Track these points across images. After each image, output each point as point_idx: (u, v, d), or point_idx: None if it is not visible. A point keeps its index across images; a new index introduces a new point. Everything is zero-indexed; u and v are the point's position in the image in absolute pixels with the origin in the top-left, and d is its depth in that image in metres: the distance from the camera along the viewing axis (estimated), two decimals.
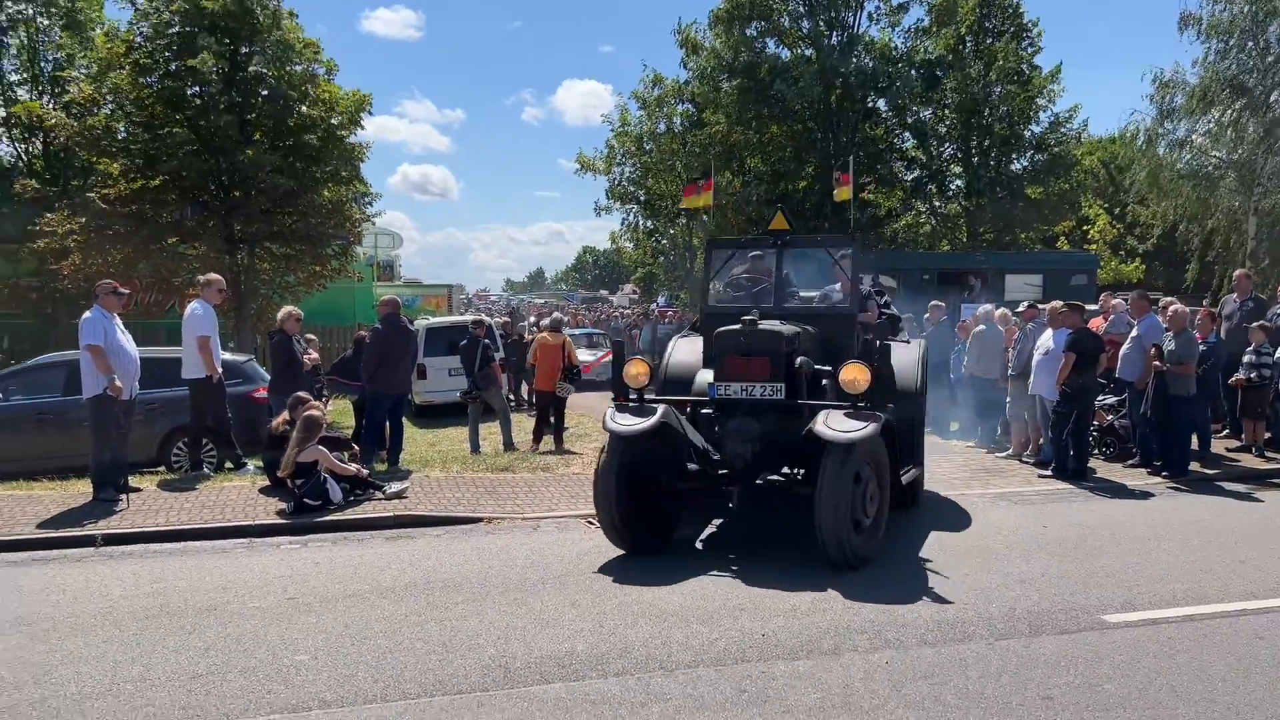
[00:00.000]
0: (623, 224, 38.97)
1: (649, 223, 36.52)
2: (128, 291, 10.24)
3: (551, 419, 13.40)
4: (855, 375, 6.89)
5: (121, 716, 4.45)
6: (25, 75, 30.27)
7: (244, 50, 20.41)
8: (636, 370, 7.34)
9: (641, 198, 35.03)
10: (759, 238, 8.71)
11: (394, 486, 9.48)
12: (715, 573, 6.85)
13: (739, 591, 6.38)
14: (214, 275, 11.20)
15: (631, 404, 7.27)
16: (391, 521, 8.63)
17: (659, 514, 7.59)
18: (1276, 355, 11.70)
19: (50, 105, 28.08)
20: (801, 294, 8.90)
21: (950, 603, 6.11)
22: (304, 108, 20.71)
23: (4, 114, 29.75)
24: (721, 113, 28.85)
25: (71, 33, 29.48)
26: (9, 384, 11.90)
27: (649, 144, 33.47)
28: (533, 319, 29.06)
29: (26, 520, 8.45)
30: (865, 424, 6.67)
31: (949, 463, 11.78)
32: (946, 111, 29.55)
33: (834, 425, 6.68)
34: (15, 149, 30.52)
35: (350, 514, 8.76)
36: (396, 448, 11.54)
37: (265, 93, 20.61)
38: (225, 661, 5.14)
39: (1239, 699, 4.63)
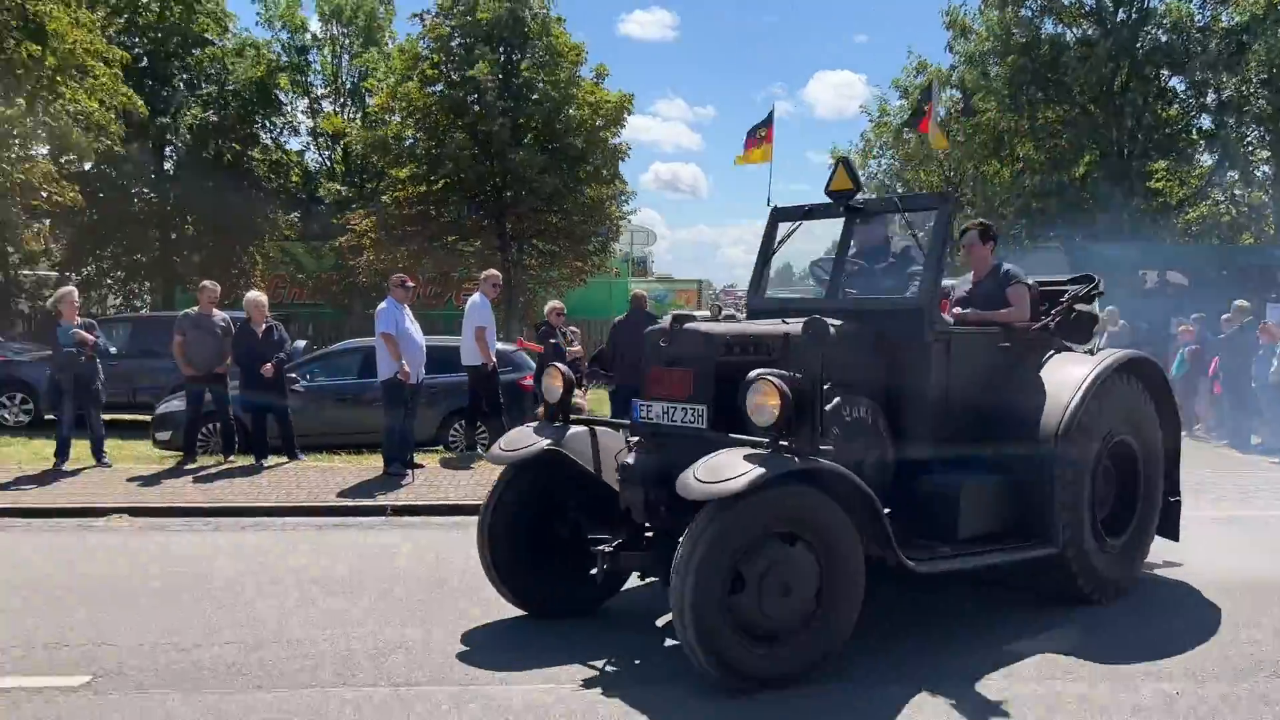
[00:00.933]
0: None
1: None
2: (413, 285, 11.19)
3: None
4: (762, 399, 4.62)
5: (412, 672, 4.87)
6: (329, 90, 33.81)
7: (516, 57, 21.74)
8: (552, 381, 5.77)
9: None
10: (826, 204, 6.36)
11: None
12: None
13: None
14: (493, 271, 12.06)
15: (547, 423, 5.69)
16: None
17: (576, 568, 5.48)
18: None
19: (349, 117, 31.24)
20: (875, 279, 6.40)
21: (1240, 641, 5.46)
22: (571, 110, 21.76)
23: (312, 125, 33.44)
24: (992, 98, 27.30)
25: (366, 47, 32.59)
26: (313, 368, 13.31)
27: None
28: None
29: (328, 490, 9.45)
30: (752, 471, 4.33)
31: (1249, 479, 10.57)
32: (1252, 87, 26.40)
33: (704, 474, 4.43)
34: (321, 157, 34.20)
35: None
36: None
37: (535, 97, 21.85)
38: (496, 631, 5.50)
39: None
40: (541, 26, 21.76)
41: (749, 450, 4.54)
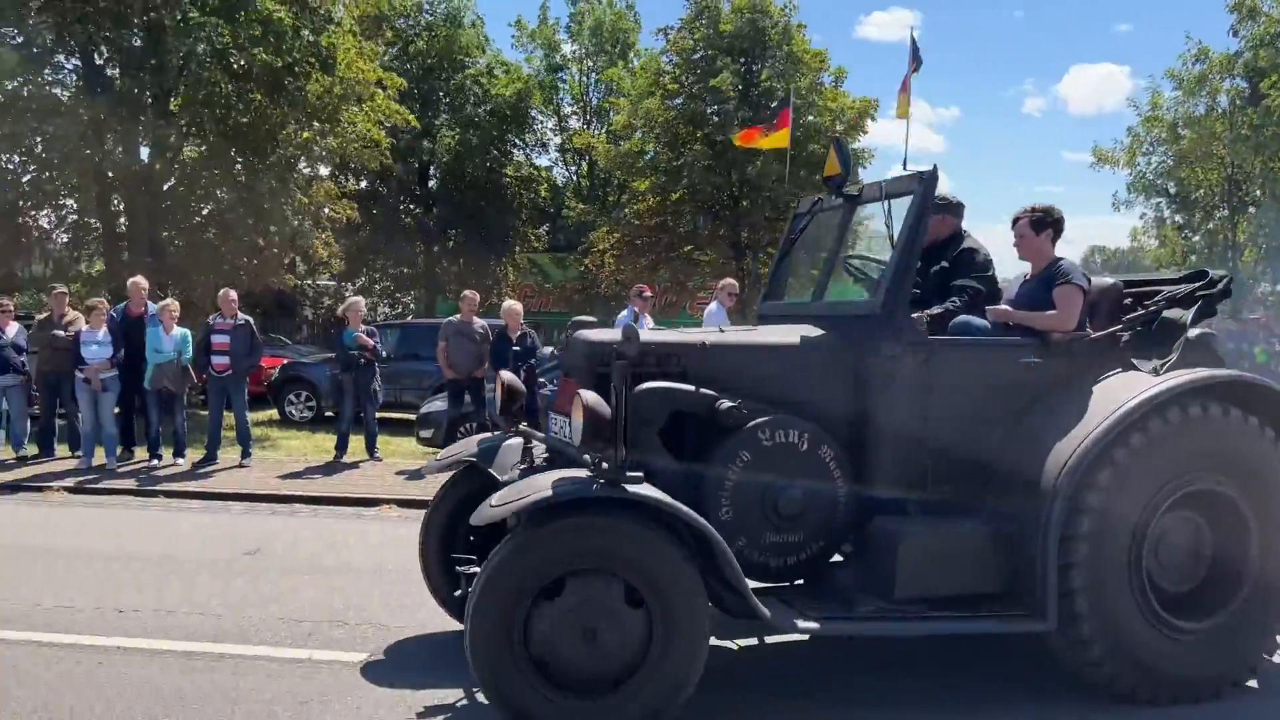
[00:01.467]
0: (1141, 218, 34.80)
1: (1178, 217, 32.22)
2: (651, 295, 11.44)
3: None
4: (573, 413, 4.16)
5: None
6: (577, 107, 35.39)
7: (756, 67, 21.83)
8: (497, 389, 5.31)
9: (1171, 189, 31.06)
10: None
11: None
12: None
13: None
14: (730, 280, 12.14)
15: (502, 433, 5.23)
16: None
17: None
18: None
19: (595, 133, 32.53)
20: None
21: None
22: (810, 117, 21.57)
23: (560, 142, 35.13)
24: None
25: (613, 62, 33.84)
26: (553, 372, 13.90)
27: (1184, 129, 29.48)
28: None
29: None
30: (533, 496, 3.86)
31: None
32: None
33: (499, 498, 4.01)
34: (567, 172, 35.85)
35: None
36: None
37: (774, 105, 21.81)
38: None
39: None
40: (782, 34, 21.73)
41: (564, 473, 4.03)
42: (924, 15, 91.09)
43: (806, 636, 4.31)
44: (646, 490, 3.89)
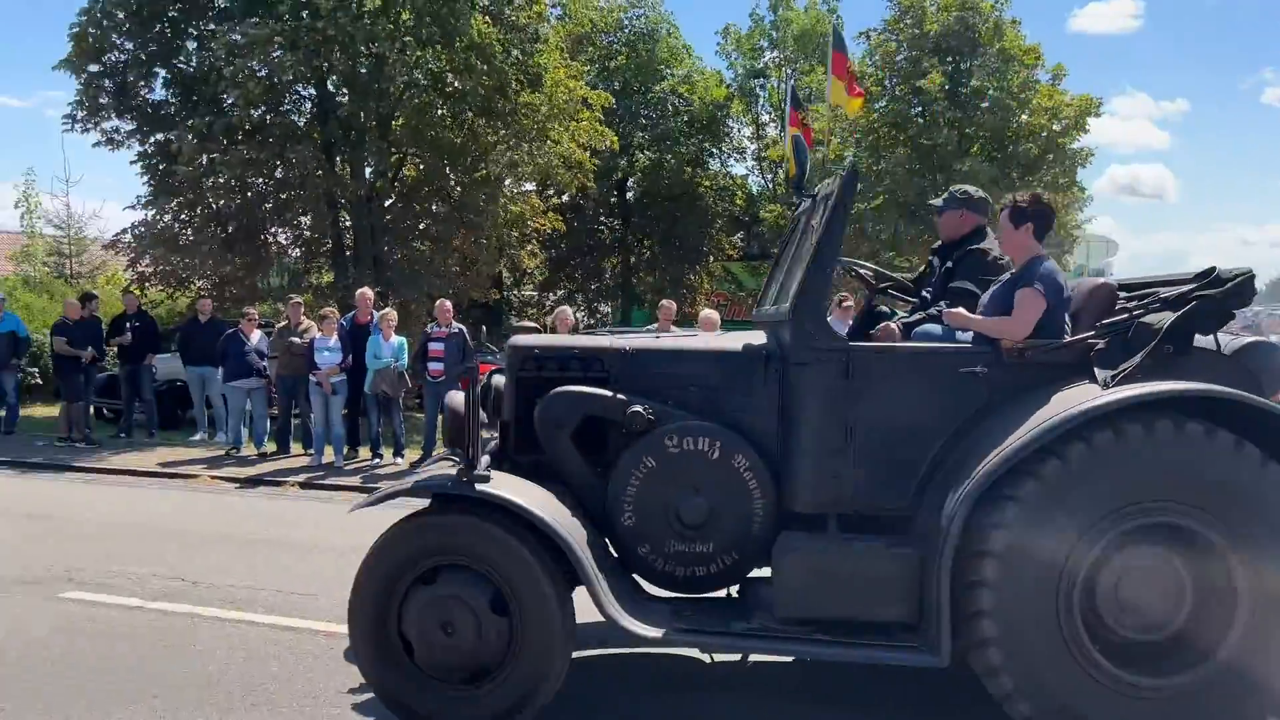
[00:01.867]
0: None
1: None
2: (850, 304, 10.97)
3: None
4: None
5: None
6: (776, 115, 35.19)
7: (964, 66, 20.98)
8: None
9: None
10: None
11: None
12: None
13: None
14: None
15: None
16: None
17: None
18: None
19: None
20: None
21: None
22: (1025, 116, 20.53)
23: (756, 149, 35.05)
24: None
25: (807, 71, 33.46)
26: None
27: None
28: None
29: None
30: (383, 491, 4.36)
31: None
32: None
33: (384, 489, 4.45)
34: (763, 180, 35.73)
35: None
36: None
37: (984, 105, 20.91)
38: None
39: None
40: (994, 31, 20.79)
41: (431, 471, 4.41)
42: (1145, 3, 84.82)
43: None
44: (492, 489, 3.97)
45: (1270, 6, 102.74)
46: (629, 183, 30.89)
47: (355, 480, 10.95)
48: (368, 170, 17.70)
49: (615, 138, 21.69)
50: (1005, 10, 21.23)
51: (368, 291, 12.59)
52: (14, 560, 7.26)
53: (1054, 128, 20.49)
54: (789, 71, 33.69)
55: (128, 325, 14.05)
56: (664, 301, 12.53)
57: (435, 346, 11.78)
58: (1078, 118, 20.59)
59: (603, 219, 31.08)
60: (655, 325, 11.92)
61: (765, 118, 35.29)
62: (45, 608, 6.13)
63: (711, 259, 31.34)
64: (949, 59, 20.72)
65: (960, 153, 20.55)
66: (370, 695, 4.27)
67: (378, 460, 11.90)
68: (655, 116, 30.35)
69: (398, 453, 11.98)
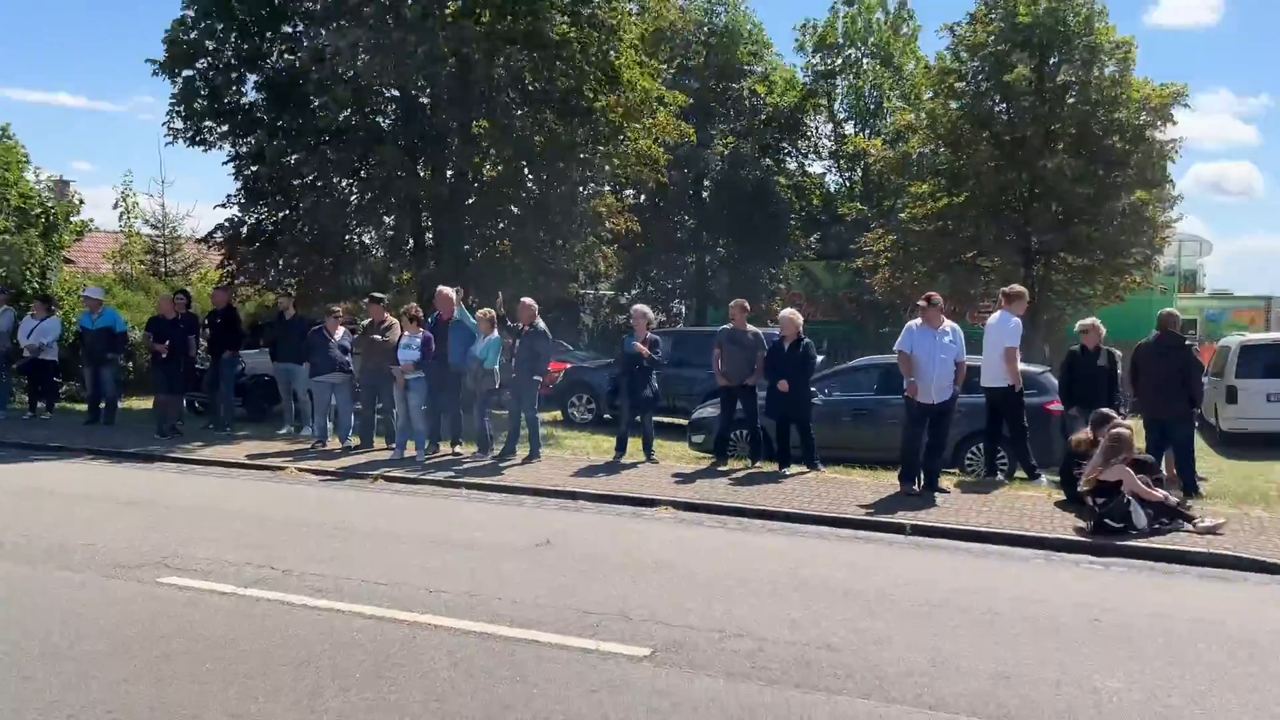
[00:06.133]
0: None
1: None
2: (927, 305, 10.59)
3: None
4: None
5: (942, 697, 4.75)
6: (852, 111, 34.78)
7: (1052, 59, 20.46)
8: None
9: None
10: None
11: (1208, 520, 8.51)
12: None
13: None
14: (1021, 288, 11.43)
15: None
16: (1204, 558, 7.75)
17: None
18: None
19: (869, 137, 31.81)
20: None
21: None
22: (1114, 111, 19.92)
23: (833, 147, 34.66)
24: None
25: (885, 66, 32.98)
26: (831, 382, 13.66)
27: None
28: None
29: (849, 502, 9.64)
30: None
31: None
32: None
33: None
34: (842, 178, 35.29)
35: (1156, 542, 8.10)
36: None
37: (1071, 99, 20.35)
38: (1034, 673, 5.12)
39: None
40: (1085, 23, 20.21)
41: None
42: None
43: None
44: None
45: None
46: (705, 181, 30.83)
47: (437, 475, 11.16)
48: (449, 171, 18.01)
49: (692, 130, 21.56)
50: (1095, 1, 20.62)
51: (448, 290, 12.80)
52: (113, 546, 7.60)
53: (1140, 120, 19.84)
54: (864, 68, 33.18)
55: (204, 322, 14.61)
56: (737, 300, 12.42)
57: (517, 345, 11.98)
58: (1163, 107, 19.91)
59: (678, 217, 31.07)
60: (731, 324, 11.94)
61: (843, 114, 34.85)
62: (144, 592, 6.41)
63: (788, 258, 31.09)
64: (1038, 52, 20.22)
65: (1046, 149, 20.04)
66: (447, 680, 4.37)
67: (457, 455, 12.14)
68: (734, 114, 30.23)
69: (483, 449, 12.15)
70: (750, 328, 11.97)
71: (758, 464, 11.63)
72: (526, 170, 18.25)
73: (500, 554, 7.58)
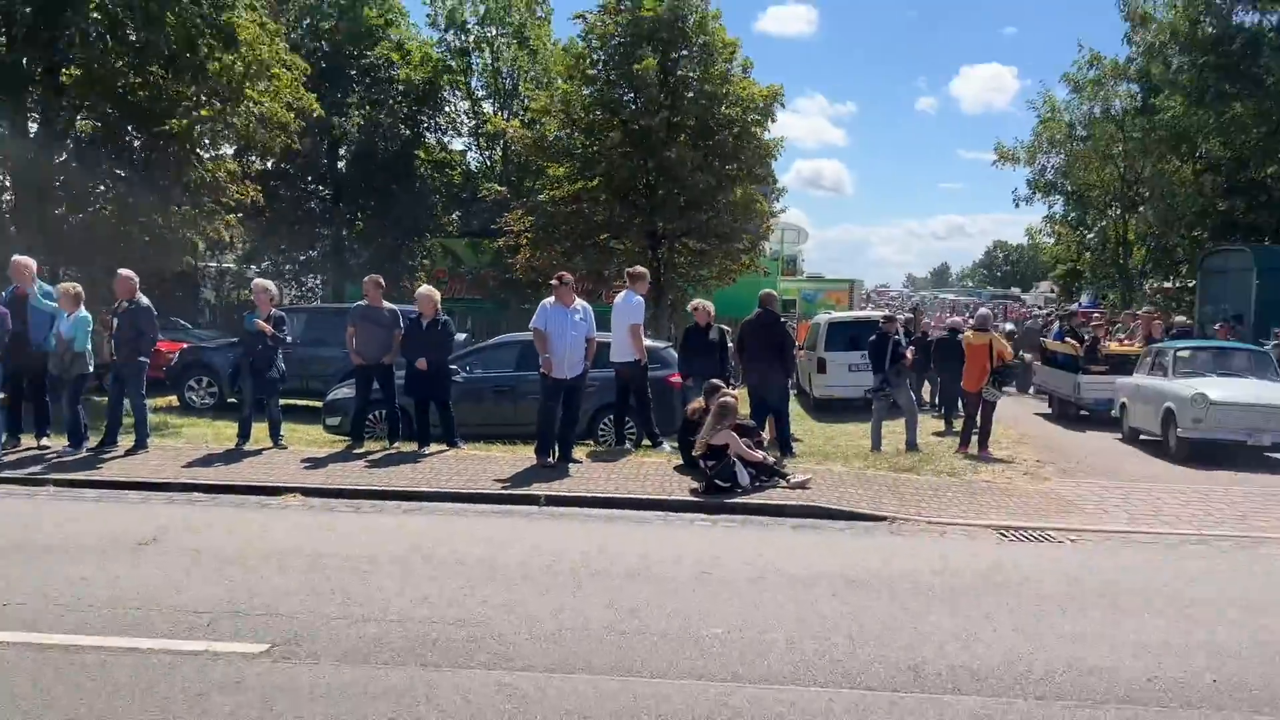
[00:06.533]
0: (1045, 218, 36.12)
1: (1075, 214, 33.55)
2: (559, 284, 10.71)
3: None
4: None
5: (564, 660, 4.96)
6: (490, 91, 34.90)
7: (674, 55, 21.89)
8: None
9: (1068, 188, 32.32)
10: None
11: (798, 476, 9.64)
12: None
13: (1190, 631, 5.64)
14: (643, 269, 12.15)
15: None
16: (795, 510, 8.79)
17: None
18: None
19: (508, 117, 32.20)
20: None
21: None
22: (724, 107, 21.74)
23: (474, 125, 34.64)
24: (1178, 93, 25.56)
25: (522, 48, 33.51)
26: (472, 360, 13.73)
27: (1081, 130, 30.65)
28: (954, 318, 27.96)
29: (486, 477, 9.75)
30: None
31: None
32: None
33: None
34: (481, 156, 35.40)
35: (757, 498, 9.06)
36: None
37: (690, 95, 21.93)
38: (648, 625, 5.53)
39: None
40: (700, 23, 21.84)
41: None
42: (820, 10, 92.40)
43: None
44: None
45: (922, 23, 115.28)
46: (340, 150, 29.53)
47: (20, 473, 9.73)
48: (32, 124, 15.67)
49: (315, 100, 20.42)
50: (709, 3, 22.33)
51: (26, 260, 11.05)
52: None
53: (747, 118, 21.86)
54: (498, 48, 33.45)
55: None
56: (370, 276, 12.01)
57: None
58: (766, 106, 22.11)
59: (311, 188, 29.52)
60: (365, 301, 11.56)
61: (481, 92, 34.90)
62: None
63: (431, 235, 30.73)
64: (661, 47, 21.52)
65: (670, 139, 21.44)
66: (27, 705, 3.82)
67: (43, 449, 10.65)
68: (369, 82, 29.18)
69: (77, 441, 10.68)
70: (387, 304, 11.65)
71: (396, 445, 11.39)
72: (132, 129, 16.38)
73: (94, 556, 6.77)
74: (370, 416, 12.00)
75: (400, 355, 11.29)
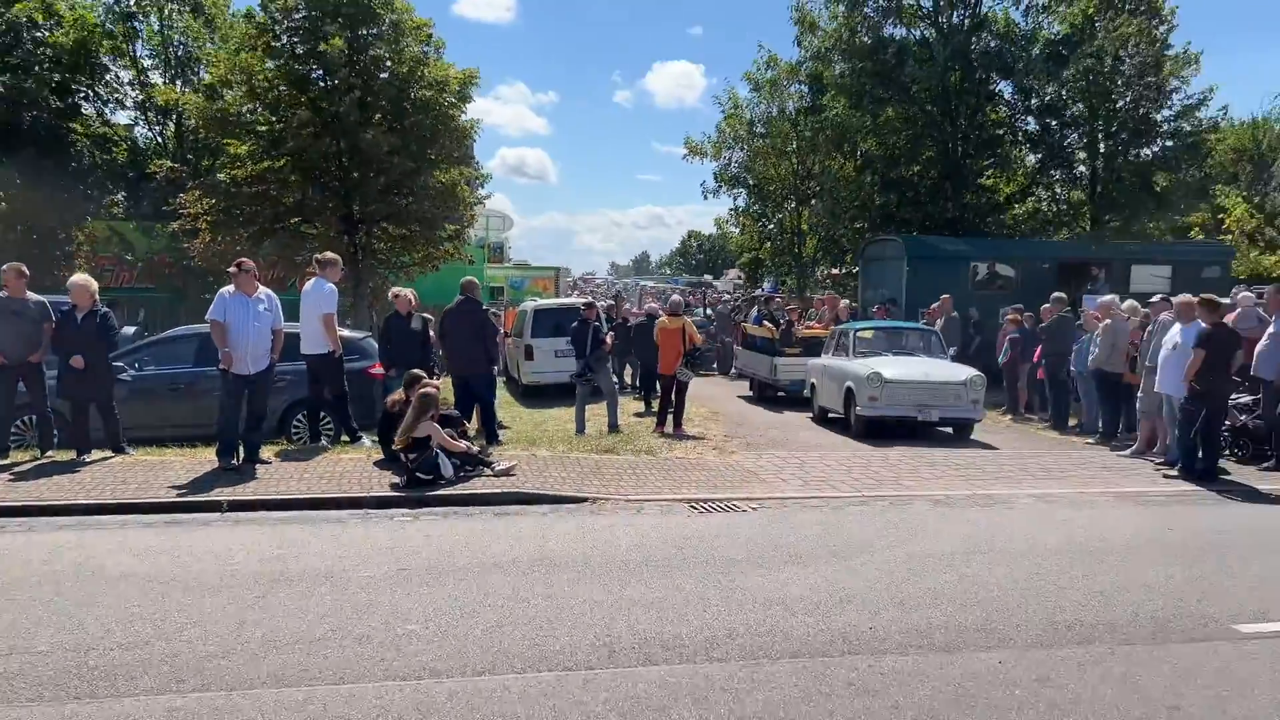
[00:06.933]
0: (731, 210, 38.61)
1: (756, 206, 36.14)
2: (239, 270, 9.87)
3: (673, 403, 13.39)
4: None
5: (245, 675, 4.64)
6: (158, 60, 31.77)
7: (363, 34, 21.00)
8: None
9: (750, 182, 34.70)
10: None
11: (502, 464, 9.65)
12: (824, 565, 6.75)
13: (848, 583, 6.27)
14: (333, 254, 11.57)
15: None
16: (500, 498, 8.79)
17: None
18: None
19: (182, 89, 29.49)
20: None
21: (1066, 605, 5.87)
22: (421, 90, 21.19)
23: (141, 98, 31.38)
24: (842, 95, 28.25)
25: (196, 16, 30.82)
26: (144, 355, 12.48)
27: (761, 127, 33.01)
28: (650, 304, 29.08)
29: (159, 485, 8.90)
30: None
31: (1068, 460, 11.38)
32: (1070, 93, 28.33)
33: None
34: (150, 132, 32.17)
35: (460, 489, 8.96)
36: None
37: (383, 76, 21.16)
38: (341, 628, 5.31)
39: None
40: (386, 2, 21.08)
41: None
42: None
43: None
44: None
45: (617, 18, 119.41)
46: None
47: None
48: None
49: None
50: None
51: None
52: None
53: (443, 101, 21.49)
54: (169, 15, 30.63)
55: None
56: (7, 265, 10.47)
57: None
58: (462, 90, 21.86)
59: None
60: (5, 293, 10.13)
61: (149, 61, 31.70)
62: None
63: (91, 218, 27.52)
64: (347, 24, 20.60)
65: (364, 122, 20.61)
66: None
67: None
68: (7, 43, 25.59)
69: None
70: (33, 296, 10.27)
71: (49, 454, 10.11)
72: None
73: None
74: (18, 423, 10.58)
75: (51, 353, 10.04)
